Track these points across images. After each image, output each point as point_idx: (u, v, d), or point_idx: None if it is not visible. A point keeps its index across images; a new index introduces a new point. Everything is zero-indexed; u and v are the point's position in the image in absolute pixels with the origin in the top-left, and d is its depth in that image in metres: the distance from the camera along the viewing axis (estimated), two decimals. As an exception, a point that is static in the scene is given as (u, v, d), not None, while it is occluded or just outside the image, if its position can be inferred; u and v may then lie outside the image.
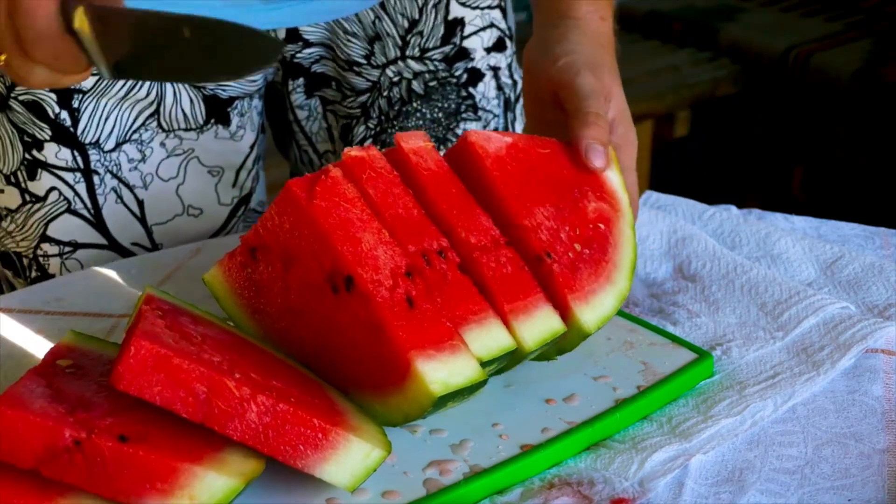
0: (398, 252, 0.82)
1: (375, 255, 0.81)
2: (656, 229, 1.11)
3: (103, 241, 1.20)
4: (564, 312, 0.87)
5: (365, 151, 0.86)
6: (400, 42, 1.23)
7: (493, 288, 0.84)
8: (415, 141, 0.89)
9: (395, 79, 1.24)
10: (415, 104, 1.25)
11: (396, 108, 1.25)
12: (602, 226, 0.92)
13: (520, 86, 1.31)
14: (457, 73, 1.26)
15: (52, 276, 1.20)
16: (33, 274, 1.21)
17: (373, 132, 1.25)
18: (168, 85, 1.16)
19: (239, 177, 1.24)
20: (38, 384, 0.76)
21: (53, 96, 1.15)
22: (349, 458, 0.76)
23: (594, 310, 0.88)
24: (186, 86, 1.17)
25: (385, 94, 1.24)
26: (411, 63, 1.24)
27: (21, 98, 1.15)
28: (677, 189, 1.27)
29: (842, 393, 0.89)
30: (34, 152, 1.17)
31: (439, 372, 0.78)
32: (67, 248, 1.20)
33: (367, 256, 0.81)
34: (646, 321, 0.97)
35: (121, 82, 1.15)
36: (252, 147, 1.24)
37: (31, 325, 1.01)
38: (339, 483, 0.76)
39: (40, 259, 1.20)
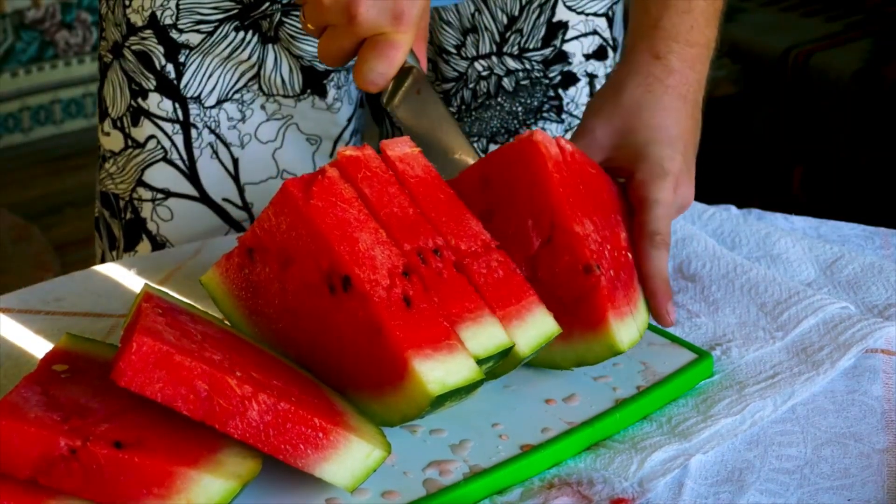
0: (395, 252, 0.82)
1: (372, 255, 0.81)
2: (656, 229, 1.11)
3: (195, 192, 1.23)
4: (599, 326, 0.87)
5: (360, 151, 0.86)
6: (498, 38, 1.24)
7: (484, 294, 0.84)
8: (401, 147, 0.88)
9: (485, 73, 1.25)
10: (499, 99, 1.26)
11: (480, 100, 1.26)
12: (630, 256, 0.93)
13: None
14: (551, 75, 1.27)
15: (144, 220, 1.24)
16: (128, 216, 1.25)
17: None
18: (270, 50, 1.20)
19: (336, 148, 1.26)
20: (34, 392, 0.75)
21: (162, 49, 1.19)
22: (350, 458, 0.75)
23: (628, 330, 0.88)
24: (287, 54, 1.20)
25: (471, 86, 1.25)
26: (508, 60, 1.25)
27: (133, 48, 1.20)
28: (677, 189, 1.26)
29: (841, 393, 0.89)
30: (139, 100, 1.21)
31: (436, 371, 0.77)
32: (160, 196, 1.23)
33: (365, 256, 0.81)
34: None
35: (226, 42, 1.19)
36: (349, 120, 1.26)
37: (30, 326, 1.00)
38: (340, 483, 0.76)
39: (135, 202, 1.24)
